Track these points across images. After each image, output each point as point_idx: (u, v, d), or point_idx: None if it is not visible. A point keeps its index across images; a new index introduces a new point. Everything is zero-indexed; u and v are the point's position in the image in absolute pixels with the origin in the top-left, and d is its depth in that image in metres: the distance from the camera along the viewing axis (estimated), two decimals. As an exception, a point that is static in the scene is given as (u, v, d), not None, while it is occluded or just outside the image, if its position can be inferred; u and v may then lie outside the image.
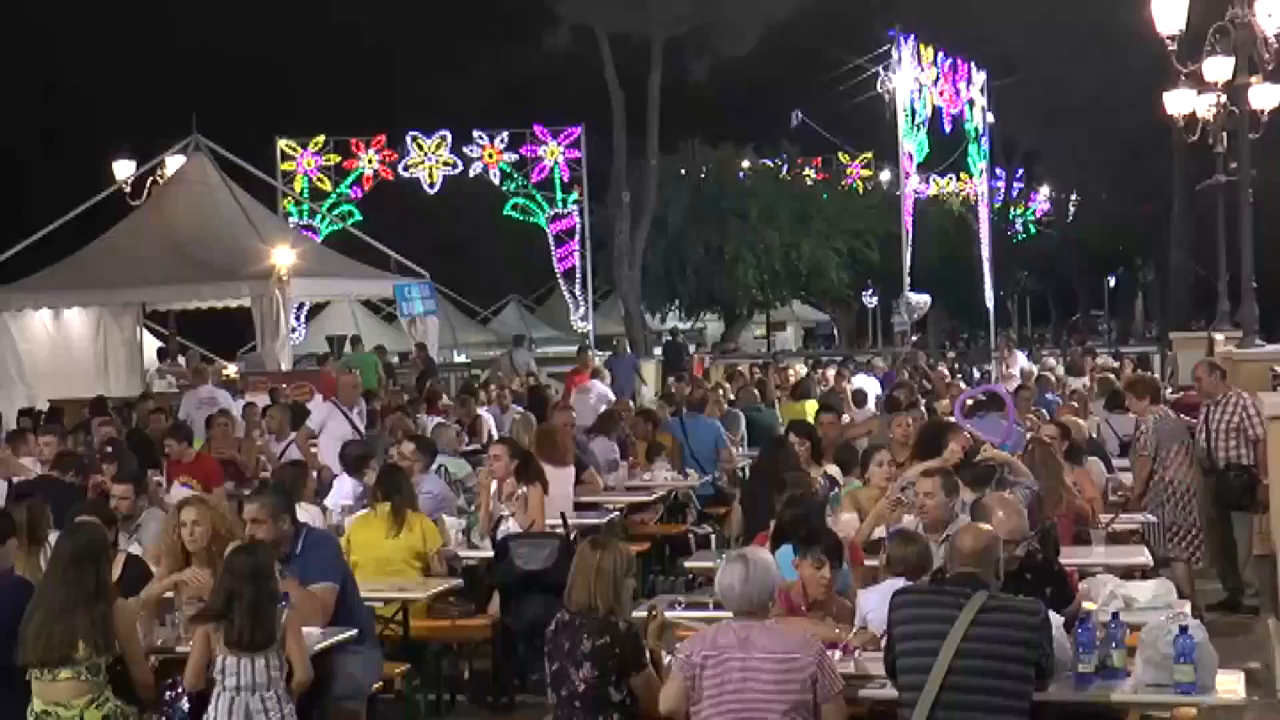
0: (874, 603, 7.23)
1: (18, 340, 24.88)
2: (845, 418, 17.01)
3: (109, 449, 13.31)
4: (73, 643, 6.70)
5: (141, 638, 7.23)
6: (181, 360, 27.97)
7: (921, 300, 35.44)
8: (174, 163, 27.39)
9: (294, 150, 34.80)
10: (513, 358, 27.50)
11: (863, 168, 49.59)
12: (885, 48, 37.25)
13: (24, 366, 24.50)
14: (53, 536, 8.64)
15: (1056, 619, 6.50)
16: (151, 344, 28.40)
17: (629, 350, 29.40)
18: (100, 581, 6.88)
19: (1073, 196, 55.71)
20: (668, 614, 7.11)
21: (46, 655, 6.69)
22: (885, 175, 47.08)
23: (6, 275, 25.30)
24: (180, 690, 7.19)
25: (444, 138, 34.61)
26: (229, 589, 6.84)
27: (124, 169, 28.46)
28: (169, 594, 7.80)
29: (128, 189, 27.45)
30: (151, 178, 27.56)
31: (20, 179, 36.67)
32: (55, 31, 38.22)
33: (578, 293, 35.48)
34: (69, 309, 25.67)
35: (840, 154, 49.29)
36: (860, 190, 48.61)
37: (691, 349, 35.04)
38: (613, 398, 20.13)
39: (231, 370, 25.71)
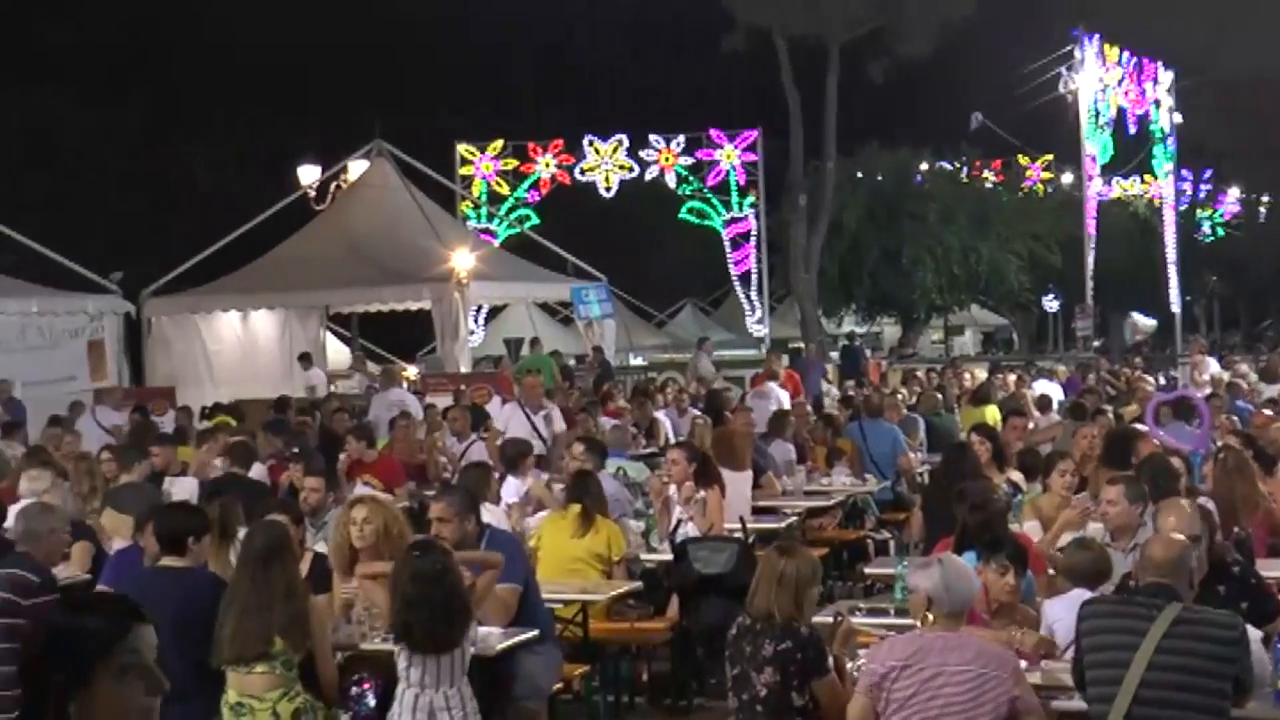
0: (1059, 612, 7.09)
1: (208, 341, 25.64)
2: (1029, 424, 16.71)
3: (295, 448, 13.63)
4: (269, 639, 6.84)
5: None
6: (367, 363, 28.55)
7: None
8: (357, 168, 27.95)
9: (473, 155, 35.29)
10: (696, 363, 27.48)
11: (1043, 170, 48.73)
12: (1068, 48, 36.58)
13: (213, 367, 25.23)
14: (242, 532, 8.90)
15: (1255, 633, 6.29)
16: (335, 345, 29.03)
17: (818, 355, 29.16)
18: (291, 579, 7.02)
19: (1263, 197, 54.10)
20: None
21: (243, 652, 6.85)
22: (1067, 177, 46.19)
23: (197, 278, 26.06)
24: (365, 686, 7.31)
25: (620, 141, 34.82)
26: (418, 591, 6.88)
27: (309, 174, 29.11)
28: (348, 593, 7.96)
29: (312, 193, 28.06)
30: (335, 182, 28.14)
31: (214, 185, 37.69)
32: (244, 43, 39.24)
33: (754, 296, 35.43)
34: (256, 311, 26.34)
35: (1020, 156, 48.50)
36: (1041, 192, 47.79)
37: (868, 353, 34.75)
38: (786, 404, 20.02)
39: (411, 372, 26.16)
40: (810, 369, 26.12)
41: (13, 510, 9.24)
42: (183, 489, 11.97)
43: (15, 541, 8.54)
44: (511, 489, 11.67)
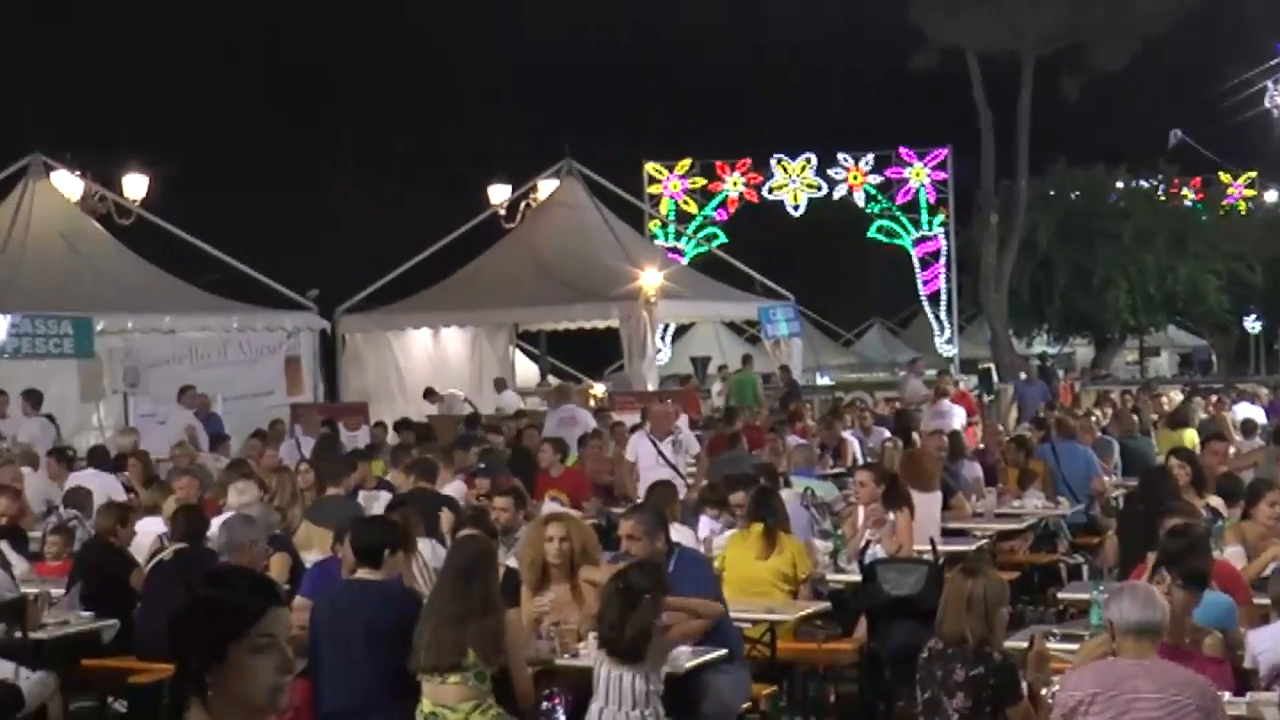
0: (1266, 643, 6.89)
1: (400, 358, 26.17)
2: (1230, 448, 16.24)
3: (483, 464, 13.84)
4: (463, 651, 6.95)
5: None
6: (551, 379, 28.91)
7: None
8: (547, 186, 28.30)
9: (661, 173, 35.50)
10: (905, 383, 27.18)
11: (1246, 187, 47.40)
12: (1275, 60, 35.54)
13: (405, 382, 25.75)
14: (422, 544, 9.06)
15: None
16: (523, 363, 29.42)
17: (1038, 378, 28.60)
18: (489, 594, 7.13)
19: None
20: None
21: (438, 662, 6.98)
22: (1271, 195, 44.85)
23: (390, 296, 26.62)
24: (555, 701, 7.39)
25: (808, 160, 34.74)
26: (626, 600, 6.94)
27: (499, 193, 29.55)
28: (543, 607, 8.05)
29: (503, 212, 28.48)
30: (525, 201, 28.52)
31: (401, 204, 38.48)
32: (437, 63, 40.04)
33: (943, 316, 35.04)
34: (446, 328, 26.81)
35: (1220, 173, 47.23)
36: (1243, 210, 46.46)
37: (1060, 374, 34.10)
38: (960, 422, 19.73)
39: (598, 390, 26.38)
40: (1029, 391, 25.85)
41: (216, 522, 9.55)
42: (378, 504, 12.22)
43: (219, 552, 8.82)
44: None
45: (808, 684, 10.06)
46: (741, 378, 25.43)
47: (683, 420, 18.47)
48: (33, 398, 18.96)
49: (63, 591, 10.12)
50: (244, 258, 24.45)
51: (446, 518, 10.45)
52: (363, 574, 7.65)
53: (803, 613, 9.44)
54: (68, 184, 24.71)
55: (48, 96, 34.42)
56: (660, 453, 14.81)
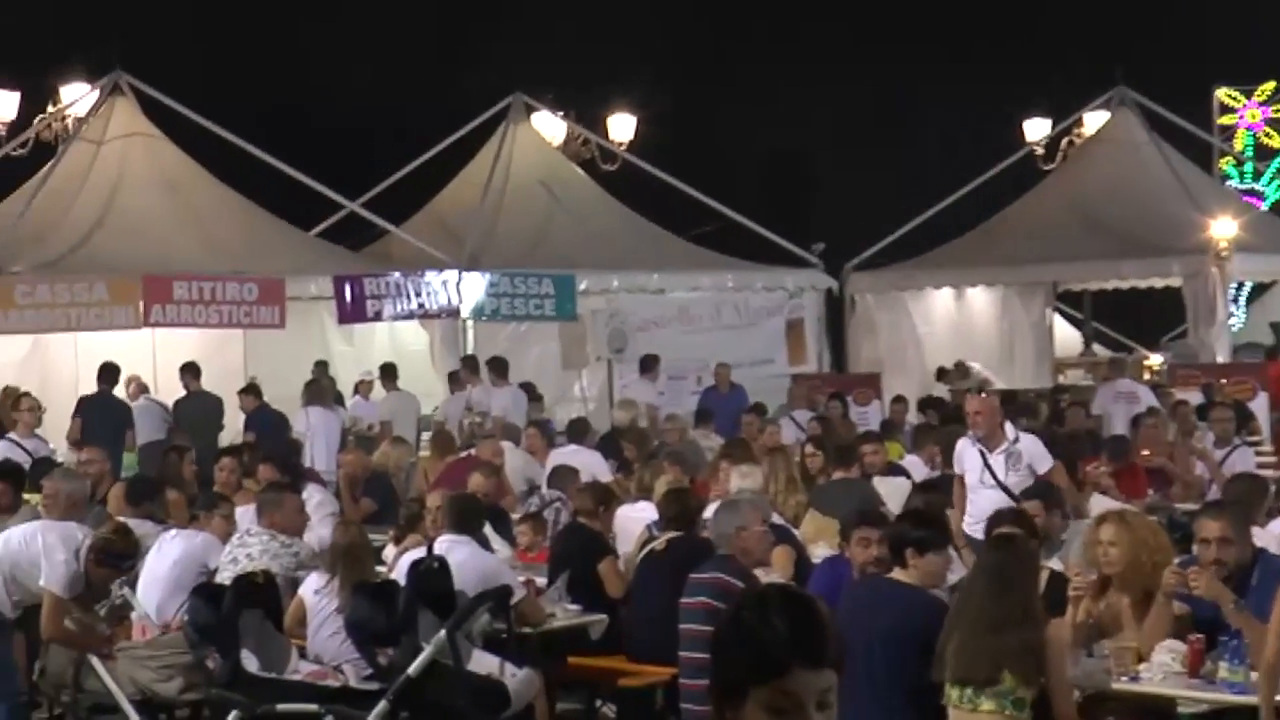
0: None
1: (917, 323, 26.13)
2: None
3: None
4: (998, 666, 6.90)
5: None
6: (1096, 349, 28.29)
7: None
8: (1094, 120, 27.62)
9: (1235, 100, 34.13)
10: None
11: None
12: None
13: (923, 351, 25.71)
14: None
15: None
16: (1063, 329, 28.87)
17: None
18: (1028, 602, 7.05)
19: None
20: None
21: (968, 673, 6.95)
22: None
23: (907, 250, 26.59)
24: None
25: None
26: None
27: (1037, 129, 29.05)
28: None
29: (1040, 151, 27.98)
30: (1068, 138, 27.92)
31: (930, 144, 38.37)
32: None
33: None
34: (972, 288, 26.59)
35: None
36: None
37: None
38: None
39: (1155, 361, 25.63)
40: None
41: (711, 508, 9.81)
42: (893, 489, 12.27)
43: (716, 543, 9.06)
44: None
45: None
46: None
47: (1261, 401, 17.71)
48: (499, 366, 19.93)
49: (546, 581, 10.61)
50: (740, 207, 24.94)
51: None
52: (897, 574, 7.70)
53: None
54: (549, 126, 25.84)
55: (528, 31, 36.08)
56: (988, 465, 12.14)
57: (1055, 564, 9.14)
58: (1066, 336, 29.63)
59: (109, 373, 18.71)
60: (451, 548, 9.73)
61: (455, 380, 20.51)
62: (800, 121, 38.71)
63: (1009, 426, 12.32)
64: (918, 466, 14.05)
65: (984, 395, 13.00)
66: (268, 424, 18.36)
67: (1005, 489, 11.71)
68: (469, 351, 21.16)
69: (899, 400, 20.40)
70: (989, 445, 11.99)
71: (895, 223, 26.56)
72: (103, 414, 17.82)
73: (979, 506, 11.43)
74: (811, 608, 3.39)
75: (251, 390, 19.17)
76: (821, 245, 24.96)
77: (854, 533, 8.84)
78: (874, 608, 7.55)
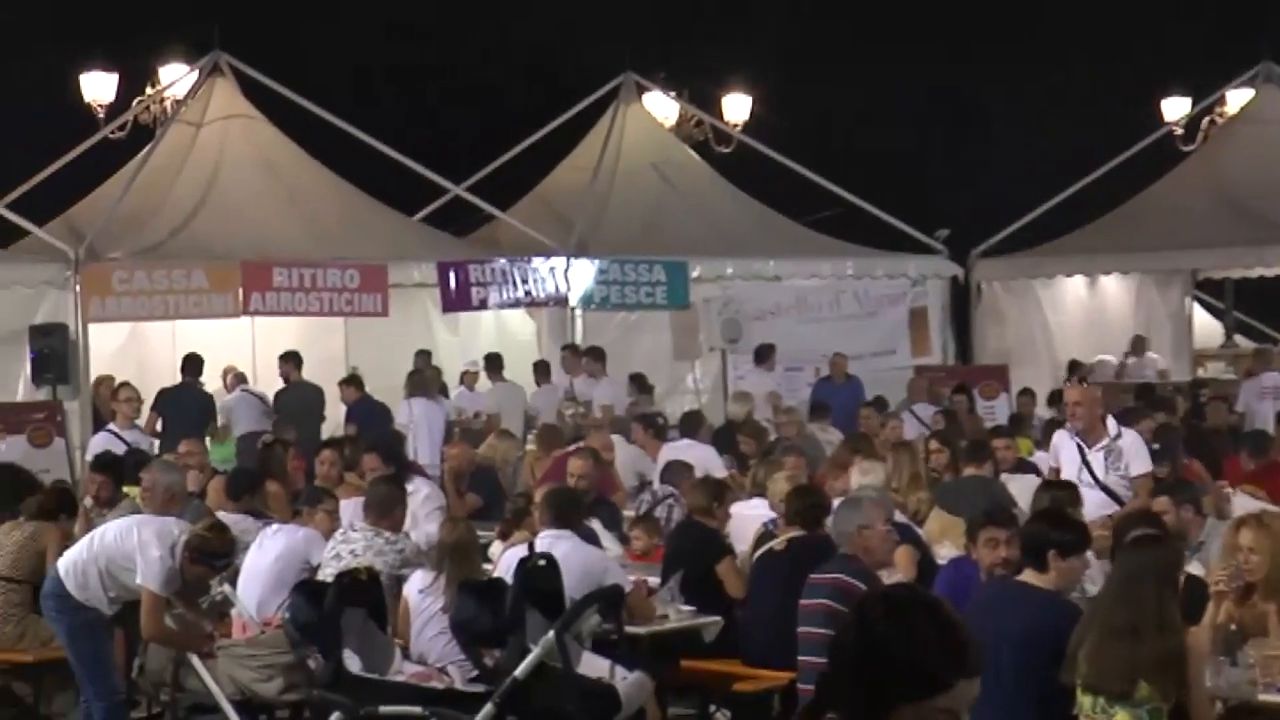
0: None
1: (1047, 313, 25.91)
2: None
3: (1155, 445, 13.50)
4: (1133, 676, 6.83)
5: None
6: (1238, 340, 27.92)
7: None
8: (1237, 98, 27.25)
9: (1388, 77, 33.45)
10: None
11: None
12: None
13: (1053, 342, 25.48)
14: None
15: None
16: (1202, 319, 28.54)
17: None
18: (1166, 609, 6.97)
19: None
20: None
21: (1100, 680, 6.89)
22: None
23: (1037, 236, 26.35)
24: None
25: None
26: None
27: (1176, 108, 28.71)
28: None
29: (1179, 131, 27.65)
30: (1209, 117, 27.57)
31: (1057, 122, 38.02)
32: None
33: None
34: (1106, 275, 26.33)
35: None
36: None
37: None
38: None
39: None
40: None
41: (836, 504, 9.78)
42: (1023, 487, 12.18)
43: (836, 542, 9.03)
44: None
45: None
46: None
47: None
48: (598, 356, 19.96)
49: (658, 580, 10.62)
50: (860, 191, 24.83)
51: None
52: (1024, 577, 7.65)
53: None
54: (662, 106, 25.86)
55: (638, 8, 36.09)
56: (1087, 462, 11.73)
57: (1195, 568, 9.02)
58: (1206, 327, 29.28)
59: (193, 364, 18.90)
60: (553, 543, 9.77)
61: (542, 371, 20.60)
62: (924, 100, 38.51)
63: (1111, 421, 11.94)
64: (1048, 463, 13.93)
65: (1085, 384, 12.50)
66: (370, 415, 18.50)
67: (1106, 489, 11.39)
68: (578, 341, 21.22)
69: (1027, 393, 20.24)
70: (1088, 440, 11.58)
71: (1025, 207, 26.29)
72: (182, 406, 18.02)
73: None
74: (949, 613, 3.34)
75: (353, 381, 19.32)
76: (946, 231, 24.79)
77: (981, 533, 8.76)
78: (1004, 611, 7.50)
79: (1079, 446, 11.59)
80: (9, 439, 17.51)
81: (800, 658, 8.73)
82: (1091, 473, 11.48)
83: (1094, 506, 10.90)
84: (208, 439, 17.26)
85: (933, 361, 23.39)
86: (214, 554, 9.74)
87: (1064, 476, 11.50)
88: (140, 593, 9.65)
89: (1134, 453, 11.60)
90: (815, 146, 27.47)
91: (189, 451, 14.06)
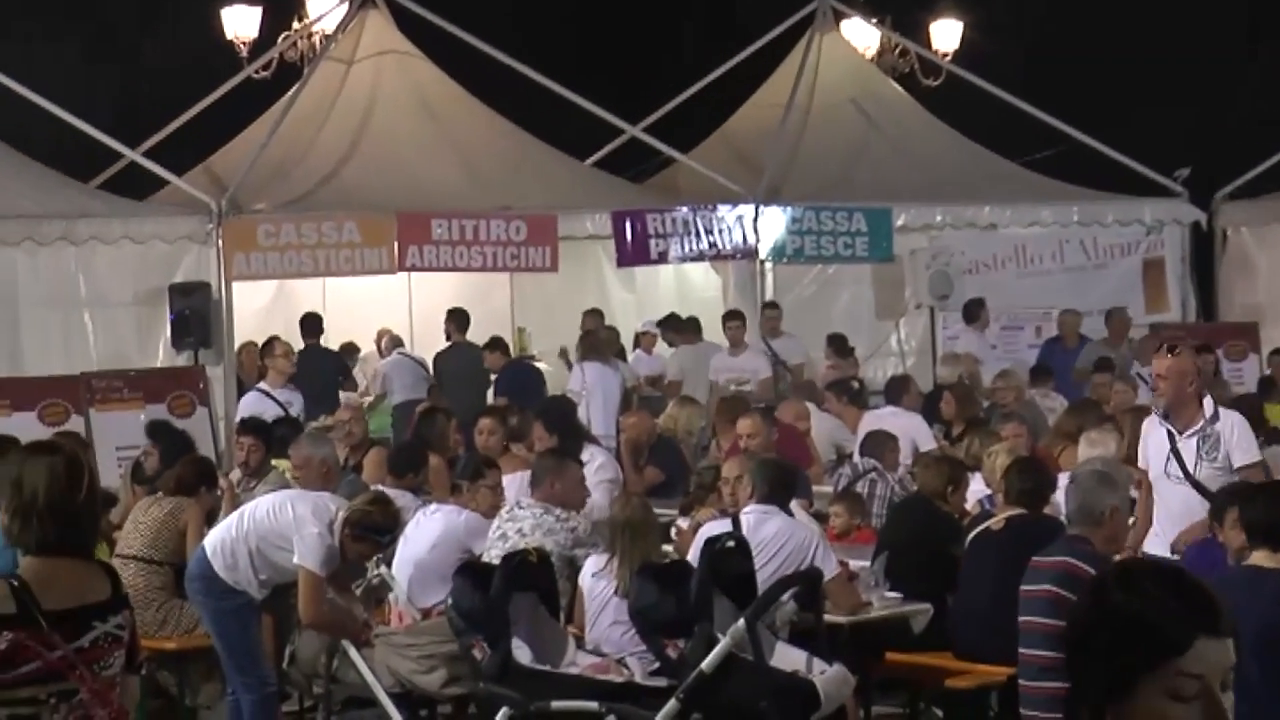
0: None
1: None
2: None
3: None
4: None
5: None
6: None
7: None
8: None
9: None
10: None
11: None
12: None
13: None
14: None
15: None
16: None
17: None
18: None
19: None
20: None
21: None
22: None
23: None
24: None
25: None
26: None
27: None
28: None
29: None
30: None
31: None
32: None
33: None
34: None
35: None
36: None
37: None
38: None
39: None
40: None
41: (1063, 479, 9.66)
42: (1276, 458, 11.98)
43: (1069, 521, 8.92)
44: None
45: None
46: None
47: None
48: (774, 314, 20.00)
49: (867, 563, 10.58)
50: (1087, 127, 24.48)
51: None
52: (1259, 559, 7.53)
53: None
54: (861, 34, 25.70)
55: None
56: (1175, 451, 10.51)
57: None
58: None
59: (312, 324, 19.01)
60: (762, 520, 9.75)
61: (643, 341, 20.67)
62: (1162, 25, 37.88)
63: (1208, 401, 10.55)
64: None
65: (1177, 352, 10.69)
66: (522, 383, 18.46)
67: (1197, 485, 10.21)
68: (769, 298, 21.18)
69: (1276, 354, 19.88)
70: (1178, 424, 10.32)
71: (1277, 142, 25.80)
72: (309, 371, 18.17)
73: (1163, 510, 10.34)
74: (1190, 577, 3.32)
75: (498, 345, 19.23)
76: (1187, 170, 24.35)
77: (1228, 513, 8.61)
78: (1254, 599, 7.39)
79: (1169, 433, 10.39)
80: (149, 408, 17.72)
81: (1021, 650, 8.62)
82: (1180, 464, 10.31)
83: (1180, 506, 10.21)
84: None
85: (1171, 319, 23.02)
86: (378, 529, 9.77)
87: (1150, 471, 10.53)
88: (293, 575, 9.73)
89: (1236, 439, 10.32)
90: (1036, 77, 27.13)
91: (353, 418, 14.14)
